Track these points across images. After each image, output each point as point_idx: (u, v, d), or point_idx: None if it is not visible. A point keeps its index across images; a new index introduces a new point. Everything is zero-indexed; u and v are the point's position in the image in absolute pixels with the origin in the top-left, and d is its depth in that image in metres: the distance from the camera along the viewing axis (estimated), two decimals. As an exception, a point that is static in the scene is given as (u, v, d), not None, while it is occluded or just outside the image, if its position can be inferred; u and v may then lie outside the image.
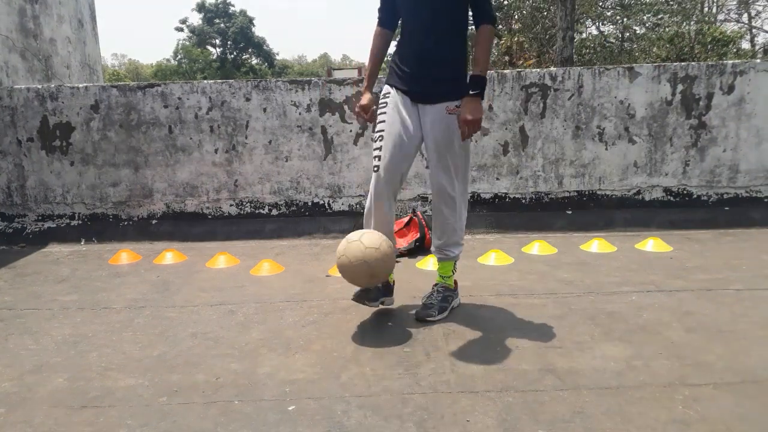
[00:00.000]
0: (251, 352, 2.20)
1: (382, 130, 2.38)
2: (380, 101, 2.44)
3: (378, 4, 2.47)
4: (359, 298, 2.40)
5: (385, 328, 2.41)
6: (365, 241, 2.24)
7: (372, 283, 2.36)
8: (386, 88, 2.44)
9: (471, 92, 2.23)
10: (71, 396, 1.89)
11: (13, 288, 3.13)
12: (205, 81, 4.23)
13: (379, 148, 2.37)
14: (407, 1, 2.34)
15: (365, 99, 2.46)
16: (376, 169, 2.37)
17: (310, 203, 4.30)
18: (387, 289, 2.53)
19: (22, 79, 5.15)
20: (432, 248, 2.58)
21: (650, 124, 4.17)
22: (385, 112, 2.39)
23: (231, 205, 4.31)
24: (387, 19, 2.45)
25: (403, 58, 2.38)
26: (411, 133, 2.36)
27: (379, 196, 2.38)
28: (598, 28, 18.69)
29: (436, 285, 2.58)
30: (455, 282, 2.61)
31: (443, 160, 2.34)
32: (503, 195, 4.28)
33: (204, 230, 4.19)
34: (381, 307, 2.55)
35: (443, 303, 2.49)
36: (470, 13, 2.34)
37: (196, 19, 53.45)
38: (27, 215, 4.36)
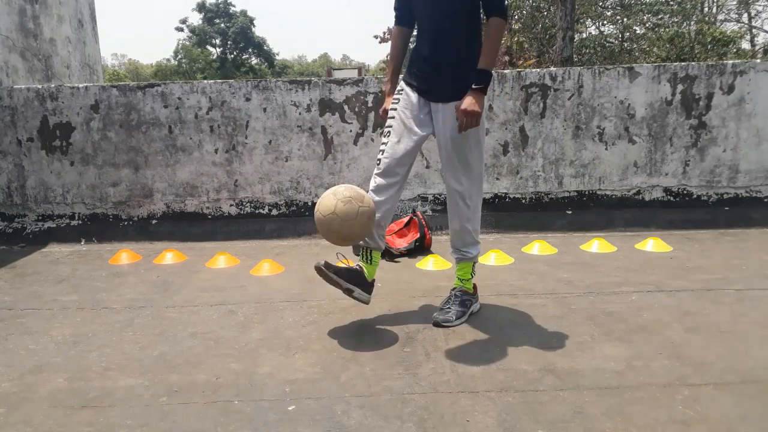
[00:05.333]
0: (251, 352, 2.20)
1: (390, 126, 2.40)
2: (393, 98, 2.45)
3: (394, 3, 2.46)
4: (323, 271, 2.25)
5: (385, 328, 2.41)
6: (338, 194, 2.15)
7: (344, 243, 2.26)
8: (401, 84, 2.44)
9: (474, 86, 2.18)
10: (71, 396, 1.89)
11: (13, 288, 3.13)
12: (205, 81, 4.24)
13: (385, 144, 2.39)
14: (420, 2, 2.33)
15: (388, 102, 2.48)
16: (378, 162, 2.39)
17: (310, 203, 4.30)
18: (362, 280, 2.36)
19: (22, 79, 5.15)
20: (450, 250, 2.55)
21: (650, 124, 4.17)
22: (395, 109, 2.41)
23: (231, 205, 4.31)
24: (404, 17, 2.44)
25: (418, 58, 2.38)
26: (416, 131, 2.35)
27: (377, 190, 2.36)
28: (598, 28, 18.68)
29: (454, 289, 2.53)
30: (474, 286, 2.56)
31: (454, 159, 2.33)
32: (503, 195, 4.28)
33: (204, 230, 4.19)
34: (349, 296, 2.34)
35: (461, 308, 2.45)
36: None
37: (196, 19, 53.43)
38: (27, 215, 4.36)
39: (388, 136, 2.39)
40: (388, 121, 2.41)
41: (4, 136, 4.25)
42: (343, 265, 2.33)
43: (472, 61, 2.26)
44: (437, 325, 2.40)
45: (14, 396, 1.90)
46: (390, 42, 2.53)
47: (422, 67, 2.35)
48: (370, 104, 4.16)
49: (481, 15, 2.35)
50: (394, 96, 2.44)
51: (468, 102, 2.17)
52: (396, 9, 2.46)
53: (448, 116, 2.30)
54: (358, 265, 2.40)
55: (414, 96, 2.37)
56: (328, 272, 2.26)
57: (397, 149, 2.35)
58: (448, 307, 2.45)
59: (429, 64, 2.33)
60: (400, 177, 2.39)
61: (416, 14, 2.38)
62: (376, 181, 2.39)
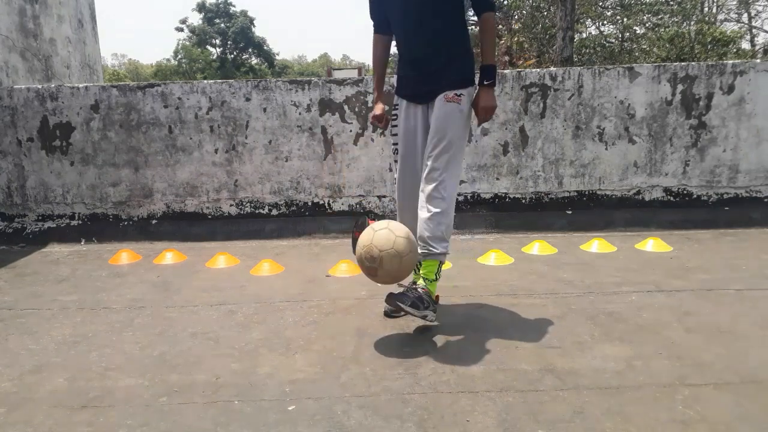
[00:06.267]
0: (251, 352, 2.20)
1: (396, 144, 2.49)
2: (393, 113, 2.50)
3: (369, 13, 2.49)
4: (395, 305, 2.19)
5: (385, 328, 2.41)
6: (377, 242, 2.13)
7: (388, 281, 2.21)
8: (396, 99, 2.50)
9: (485, 82, 2.30)
10: (71, 396, 1.89)
11: (13, 288, 3.13)
12: (205, 81, 4.24)
13: (396, 161, 2.50)
14: (395, 8, 2.35)
15: (378, 109, 2.54)
16: (395, 182, 2.51)
17: (310, 203, 4.30)
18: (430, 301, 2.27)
19: (22, 79, 5.15)
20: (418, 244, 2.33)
21: (650, 124, 4.17)
22: (396, 125, 2.48)
23: (231, 205, 4.31)
24: (381, 24, 2.48)
25: (402, 64, 2.42)
26: (421, 143, 2.42)
27: (401, 209, 2.51)
28: (598, 28, 18.68)
29: (416, 284, 2.29)
30: (437, 297, 2.36)
31: (434, 149, 2.30)
32: (503, 195, 4.28)
33: (204, 230, 4.19)
34: (426, 322, 2.28)
35: (419, 302, 2.19)
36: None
37: (196, 19, 53.45)
38: (27, 215, 4.36)
39: (397, 154, 2.48)
40: (394, 139, 2.50)
41: (4, 136, 4.25)
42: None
43: (454, 57, 2.31)
44: (388, 303, 2.23)
45: (14, 396, 1.90)
46: (372, 51, 2.55)
47: (408, 72, 2.40)
48: (370, 104, 4.16)
49: (469, 13, 2.39)
50: (393, 111, 2.49)
51: (484, 99, 2.30)
52: (372, 18, 2.49)
53: (436, 108, 2.32)
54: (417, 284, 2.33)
55: (410, 108, 2.42)
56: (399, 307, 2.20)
57: (407, 169, 2.44)
58: (406, 294, 2.22)
59: (412, 68, 2.37)
60: (417, 192, 2.41)
61: (394, 21, 2.40)
62: (399, 202, 2.49)
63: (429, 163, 2.33)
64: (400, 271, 2.16)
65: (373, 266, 2.14)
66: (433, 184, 2.28)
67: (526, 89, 4.14)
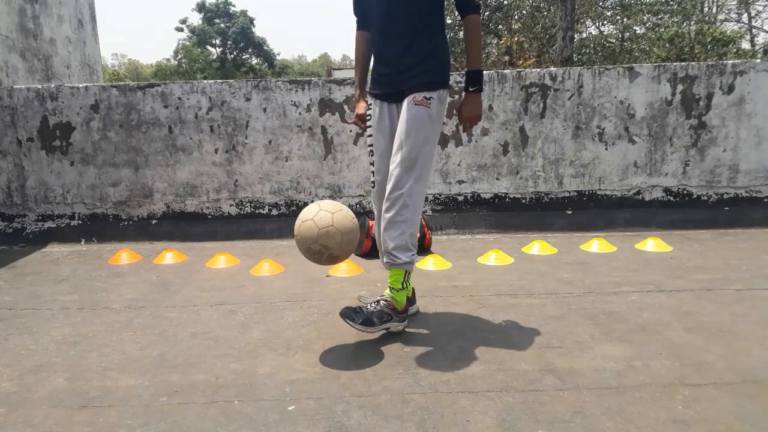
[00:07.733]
0: (251, 352, 2.20)
1: (371, 145, 2.38)
2: (366, 113, 2.41)
3: (353, 9, 2.43)
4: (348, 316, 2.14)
5: (385, 328, 2.41)
6: (318, 220, 2.06)
7: (332, 262, 2.16)
8: (369, 98, 2.40)
9: (470, 89, 2.21)
10: (71, 396, 1.89)
11: (13, 288, 3.13)
12: (205, 81, 4.24)
13: (372, 164, 2.38)
14: (372, 4, 2.30)
15: (360, 108, 2.45)
16: (373, 185, 2.37)
17: (310, 203, 4.29)
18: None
19: (22, 79, 5.15)
20: (380, 255, 2.33)
21: (650, 124, 4.17)
22: (371, 126, 2.37)
23: (231, 205, 4.31)
24: (364, 21, 2.41)
25: (376, 62, 2.35)
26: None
27: (379, 215, 2.35)
28: (598, 28, 18.69)
29: (382, 296, 2.29)
30: (408, 301, 2.32)
31: (398, 152, 2.18)
32: (503, 195, 4.28)
33: (204, 230, 4.19)
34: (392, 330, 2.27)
35: (375, 317, 2.17)
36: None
37: (196, 19, 53.53)
38: (27, 215, 4.36)
39: (372, 156, 2.37)
40: (369, 140, 2.38)
41: (4, 136, 4.25)
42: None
43: (428, 57, 2.21)
44: (341, 316, 2.18)
45: (14, 396, 1.90)
46: (354, 48, 2.48)
47: (380, 70, 2.31)
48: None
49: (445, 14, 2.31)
50: (367, 113, 2.40)
51: (468, 107, 2.20)
52: (355, 14, 2.43)
53: (403, 110, 2.22)
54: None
55: (382, 107, 2.32)
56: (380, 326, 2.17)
57: (385, 171, 2.30)
58: (361, 309, 2.21)
59: (384, 66, 2.29)
60: None
61: (372, 18, 2.31)
62: (376, 205, 2.36)
63: (391, 168, 2.19)
64: (343, 245, 2.07)
65: (322, 251, 2.06)
66: (397, 192, 2.16)
67: (526, 89, 4.14)
